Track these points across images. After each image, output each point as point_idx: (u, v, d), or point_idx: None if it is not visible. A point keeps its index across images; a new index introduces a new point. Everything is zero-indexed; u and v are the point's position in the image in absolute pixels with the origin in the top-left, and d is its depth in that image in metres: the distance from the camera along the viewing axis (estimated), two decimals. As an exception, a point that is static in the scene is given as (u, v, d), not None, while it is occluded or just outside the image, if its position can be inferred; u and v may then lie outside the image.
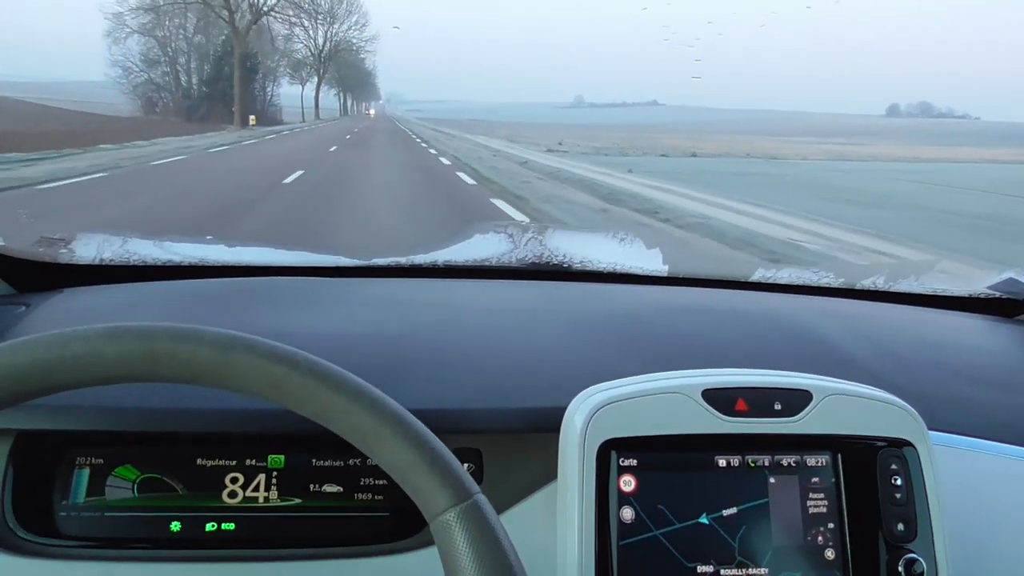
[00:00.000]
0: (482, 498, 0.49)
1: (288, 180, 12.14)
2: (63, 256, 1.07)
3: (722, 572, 0.67)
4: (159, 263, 1.09)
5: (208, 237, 1.25)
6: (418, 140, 24.23)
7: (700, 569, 0.66)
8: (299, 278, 1.08)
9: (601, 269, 1.20)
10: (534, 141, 28.20)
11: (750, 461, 0.69)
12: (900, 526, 0.68)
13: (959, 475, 0.75)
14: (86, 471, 0.69)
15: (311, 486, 0.71)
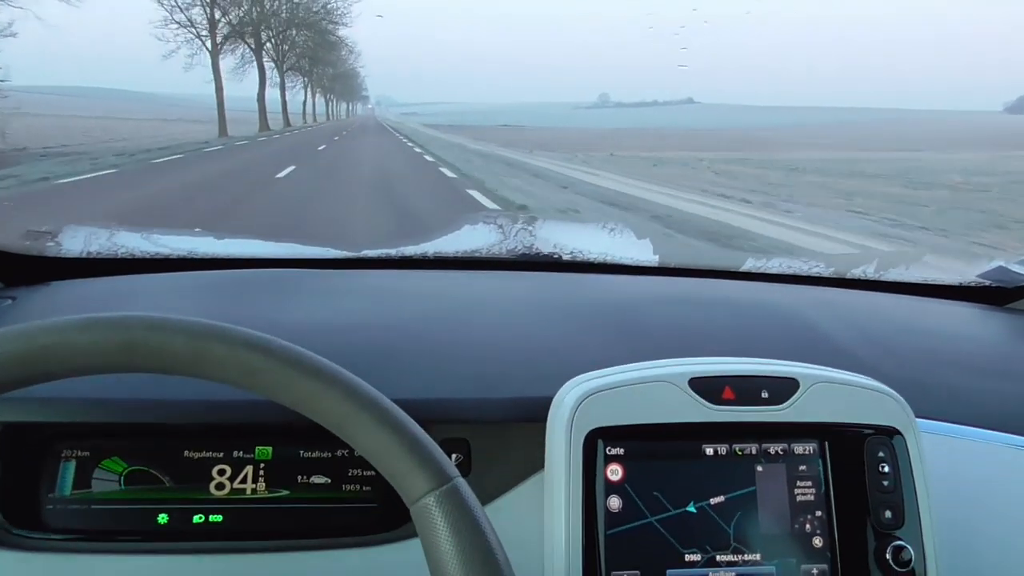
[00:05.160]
0: (461, 481, 0.48)
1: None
2: (50, 250, 1.07)
3: (717, 558, 0.67)
4: (147, 256, 1.09)
5: (196, 229, 1.25)
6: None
7: (691, 557, 0.66)
8: (289, 270, 1.08)
9: (591, 260, 1.20)
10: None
11: (737, 449, 0.69)
12: (888, 513, 0.68)
13: (947, 462, 0.75)
14: (72, 464, 0.69)
15: (299, 477, 0.71)
